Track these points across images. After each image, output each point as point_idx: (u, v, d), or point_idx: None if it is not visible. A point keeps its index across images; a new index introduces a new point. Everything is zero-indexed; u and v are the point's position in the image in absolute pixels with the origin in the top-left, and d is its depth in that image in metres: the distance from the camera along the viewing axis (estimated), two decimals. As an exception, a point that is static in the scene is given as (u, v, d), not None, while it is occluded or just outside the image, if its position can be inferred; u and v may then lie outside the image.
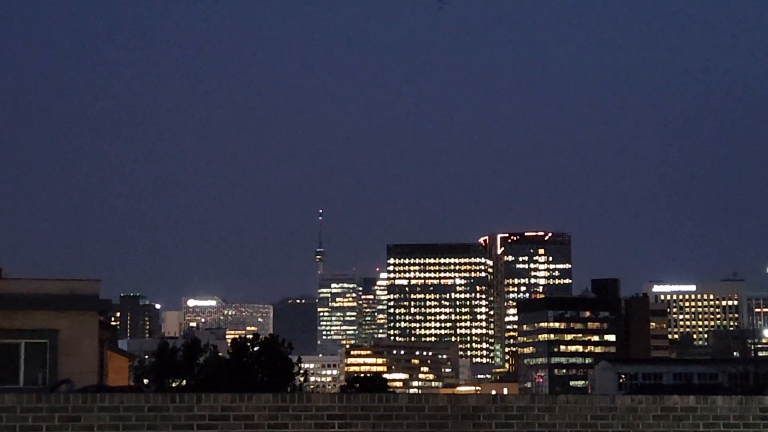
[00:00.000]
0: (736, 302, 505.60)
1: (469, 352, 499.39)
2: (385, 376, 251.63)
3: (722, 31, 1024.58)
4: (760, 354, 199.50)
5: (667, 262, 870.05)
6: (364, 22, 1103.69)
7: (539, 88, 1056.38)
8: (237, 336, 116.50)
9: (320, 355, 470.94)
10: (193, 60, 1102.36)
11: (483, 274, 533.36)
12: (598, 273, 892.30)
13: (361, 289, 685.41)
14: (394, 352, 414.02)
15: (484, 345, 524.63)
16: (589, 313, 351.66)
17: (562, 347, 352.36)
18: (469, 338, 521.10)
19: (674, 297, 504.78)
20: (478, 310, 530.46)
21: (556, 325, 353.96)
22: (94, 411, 14.16)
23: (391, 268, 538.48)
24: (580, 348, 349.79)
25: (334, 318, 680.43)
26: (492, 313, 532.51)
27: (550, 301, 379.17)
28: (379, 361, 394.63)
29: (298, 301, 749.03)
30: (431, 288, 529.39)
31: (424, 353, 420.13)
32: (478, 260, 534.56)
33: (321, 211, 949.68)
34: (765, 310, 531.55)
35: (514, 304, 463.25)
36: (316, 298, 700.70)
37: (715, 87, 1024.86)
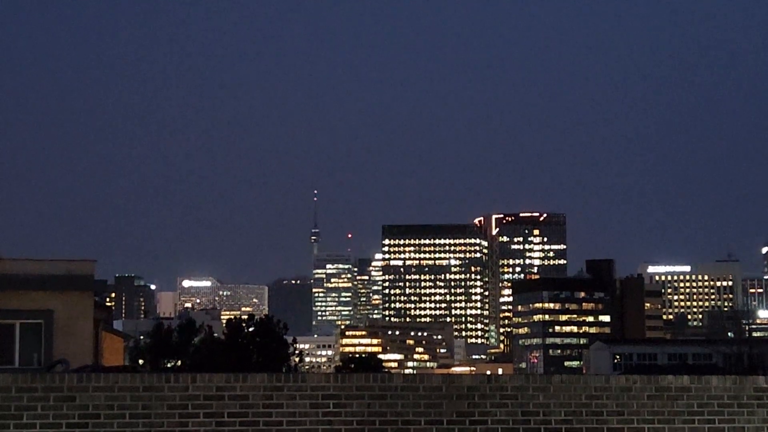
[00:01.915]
0: (730, 283, 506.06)
1: (464, 333, 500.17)
2: (380, 356, 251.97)
3: (717, 18, 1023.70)
4: (755, 334, 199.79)
5: (662, 242, 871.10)
6: (358, 3, 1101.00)
7: (534, 70, 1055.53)
8: (232, 317, 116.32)
9: (315, 336, 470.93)
10: (187, 39, 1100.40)
11: (478, 255, 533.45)
12: (593, 254, 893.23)
13: (356, 269, 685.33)
14: (389, 332, 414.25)
15: (479, 325, 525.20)
16: (584, 294, 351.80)
17: (557, 328, 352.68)
18: (463, 319, 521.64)
19: (669, 278, 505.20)
20: (472, 290, 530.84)
21: (551, 305, 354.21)
22: (89, 391, 14.14)
23: (386, 248, 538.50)
24: (574, 328, 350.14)
25: (329, 299, 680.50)
26: (487, 293, 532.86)
27: (545, 282, 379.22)
28: (374, 341, 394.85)
29: (293, 281, 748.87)
30: (426, 269, 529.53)
31: (419, 334, 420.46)
32: (473, 241, 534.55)
33: (316, 191, 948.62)
34: (760, 290, 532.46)
35: (509, 284, 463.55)
36: (311, 279, 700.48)
37: (710, 71, 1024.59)
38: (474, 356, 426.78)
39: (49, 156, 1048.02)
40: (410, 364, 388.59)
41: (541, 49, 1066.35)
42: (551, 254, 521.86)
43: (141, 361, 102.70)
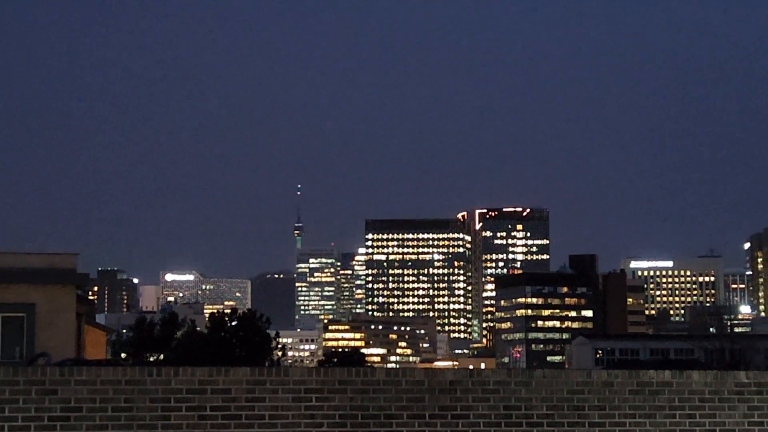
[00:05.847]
0: (712, 278, 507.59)
1: (446, 328, 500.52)
2: (363, 351, 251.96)
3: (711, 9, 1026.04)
4: (736, 330, 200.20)
5: (644, 238, 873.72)
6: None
7: (519, 67, 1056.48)
8: (215, 311, 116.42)
9: (298, 330, 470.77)
10: (176, 31, 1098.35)
11: (461, 250, 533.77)
12: (575, 249, 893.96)
13: (339, 264, 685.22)
14: (372, 327, 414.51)
15: (462, 320, 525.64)
16: (567, 289, 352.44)
17: (540, 323, 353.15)
18: (446, 313, 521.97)
19: (651, 273, 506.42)
20: (456, 285, 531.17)
21: (534, 300, 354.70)
22: (71, 384, 14.11)
23: (369, 243, 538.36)
24: (557, 323, 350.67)
25: (312, 293, 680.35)
26: (470, 288, 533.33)
27: (528, 277, 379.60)
28: (357, 336, 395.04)
29: (276, 276, 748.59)
30: (409, 263, 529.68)
31: (402, 328, 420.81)
32: (456, 236, 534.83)
33: (299, 186, 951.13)
34: (741, 286, 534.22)
35: (492, 279, 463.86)
36: (295, 273, 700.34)
37: (694, 66, 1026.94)
38: (457, 351, 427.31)
39: (33, 150, 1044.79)
40: (393, 358, 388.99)
41: (525, 46, 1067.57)
42: (534, 249, 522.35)
43: (123, 355, 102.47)
